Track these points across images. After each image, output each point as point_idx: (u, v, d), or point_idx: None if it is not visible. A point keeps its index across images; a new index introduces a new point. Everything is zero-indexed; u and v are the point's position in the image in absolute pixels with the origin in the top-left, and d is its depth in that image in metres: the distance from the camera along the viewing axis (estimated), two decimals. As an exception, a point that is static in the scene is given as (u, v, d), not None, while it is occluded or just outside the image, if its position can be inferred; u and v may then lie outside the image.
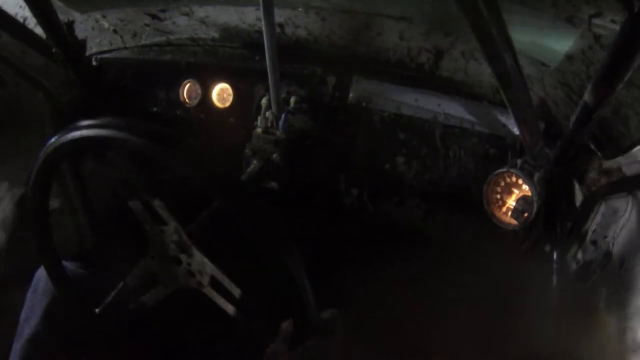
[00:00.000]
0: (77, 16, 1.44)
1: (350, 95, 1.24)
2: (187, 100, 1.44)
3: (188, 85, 1.44)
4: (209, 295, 0.88)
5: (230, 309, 0.86)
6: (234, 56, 1.42)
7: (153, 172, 0.95)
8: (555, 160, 0.98)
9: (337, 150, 1.29)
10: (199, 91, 1.43)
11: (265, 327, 0.84)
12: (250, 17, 1.34)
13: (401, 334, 1.21)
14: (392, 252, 1.28)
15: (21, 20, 1.34)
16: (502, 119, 1.11)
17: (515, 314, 1.11)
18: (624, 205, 0.95)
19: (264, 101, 1.28)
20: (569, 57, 0.94)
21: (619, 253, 0.95)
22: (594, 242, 1.01)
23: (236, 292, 0.84)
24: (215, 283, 0.87)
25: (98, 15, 1.48)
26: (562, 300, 1.06)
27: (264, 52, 1.11)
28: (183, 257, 0.86)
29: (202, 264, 0.86)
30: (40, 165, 0.84)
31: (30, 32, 1.35)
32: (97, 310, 0.98)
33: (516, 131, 1.01)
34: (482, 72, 1.14)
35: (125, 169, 0.90)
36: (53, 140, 0.81)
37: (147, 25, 1.47)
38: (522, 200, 1.02)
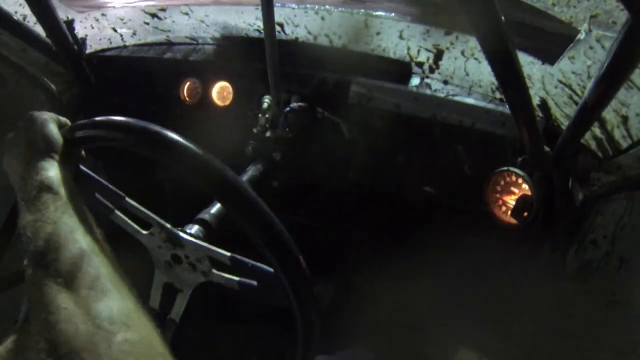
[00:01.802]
0: (76, 15, 1.44)
1: (350, 94, 1.24)
2: (187, 98, 1.44)
3: (188, 83, 1.43)
4: (216, 280, 0.83)
5: (235, 284, 0.82)
6: (234, 55, 1.42)
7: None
8: (555, 160, 0.98)
9: (337, 150, 1.29)
10: (199, 89, 1.43)
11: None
12: (250, 16, 1.34)
13: (399, 336, 1.21)
14: (393, 252, 1.29)
15: (21, 18, 1.34)
16: (502, 118, 1.11)
17: (515, 313, 1.11)
18: (623, 205, 0.95)
19: (264, 100, 1.28)
20: (570, 57, 0.94)
21: (619, 253, 0.95)
22: (594, 242, 1.01)
23: (226, 255, 0.81)
24: (215, 263, 0.83)
25: (98, 14, 1.48)
26: (561, 300, 1.06)
27: (264, 50, 1.11)
28: (179, 252, 0.85)
29: (196, 250, 0.82)
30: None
31: (30, 31, 1.35)
32: None
33: (516, 131, 1.00)
34: (482, 72, 1.14)
35: (99, 185, 0.85)
36: None
37: (146, 23, 1.46)
38: (522, 199, 1.01)
